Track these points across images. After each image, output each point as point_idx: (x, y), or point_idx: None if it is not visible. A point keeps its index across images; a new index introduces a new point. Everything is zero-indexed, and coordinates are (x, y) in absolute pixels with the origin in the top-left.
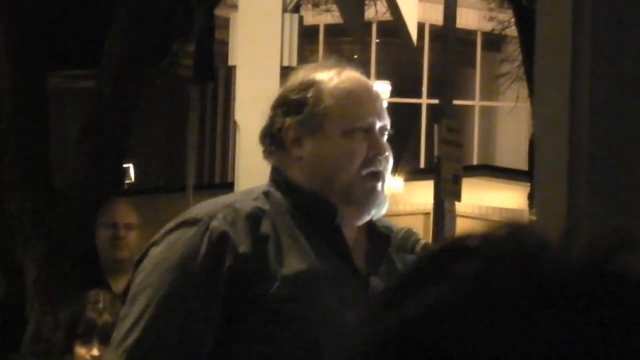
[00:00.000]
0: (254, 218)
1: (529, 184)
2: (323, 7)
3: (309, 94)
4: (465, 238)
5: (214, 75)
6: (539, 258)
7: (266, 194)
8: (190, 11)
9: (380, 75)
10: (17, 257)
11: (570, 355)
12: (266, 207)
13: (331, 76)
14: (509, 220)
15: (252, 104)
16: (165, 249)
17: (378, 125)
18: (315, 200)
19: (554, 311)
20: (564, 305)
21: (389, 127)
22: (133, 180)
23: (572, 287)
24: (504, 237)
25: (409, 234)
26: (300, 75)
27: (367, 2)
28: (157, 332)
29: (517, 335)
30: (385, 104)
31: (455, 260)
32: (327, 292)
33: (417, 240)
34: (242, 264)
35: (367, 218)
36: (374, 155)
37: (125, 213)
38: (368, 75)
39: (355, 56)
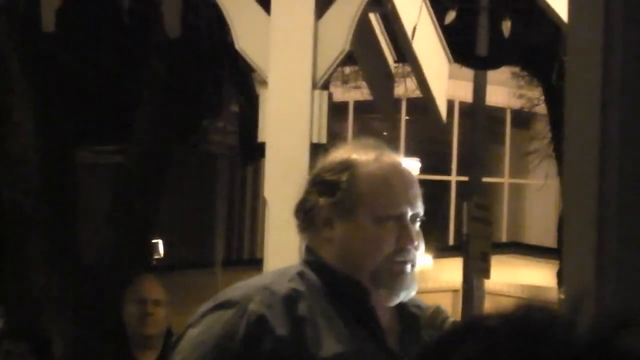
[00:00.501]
0: (291, 300)
1: (557, 262)
2: (352, 84)
3: (344, 177)
4: (482, 317)
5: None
6: (546, 335)
7: (301, 274)
8: (219, 87)
9: (409, 152)
10: (45, 333)
11: None
12: (302, 288)
13: (368, 160)
14: (526, 300)
15: (282, 180)
16: (203, 331)
17: (410, 213)
18: (348, 281)
19: None
20: None
21: (422, 214)
22: (162, 255)
23: None
24: (516, 315)
25: (437, 312)
26: (338, 156)
27: (396, 79)
28: None
29: None
30: (419, 191)
31: (465, 339)
32: None
33: (446, 318)
34: (281, 347)
35: (396, 301)
36: (403, 245)
37: (154, 289)
38: (396, 152)
39: (385, 133)
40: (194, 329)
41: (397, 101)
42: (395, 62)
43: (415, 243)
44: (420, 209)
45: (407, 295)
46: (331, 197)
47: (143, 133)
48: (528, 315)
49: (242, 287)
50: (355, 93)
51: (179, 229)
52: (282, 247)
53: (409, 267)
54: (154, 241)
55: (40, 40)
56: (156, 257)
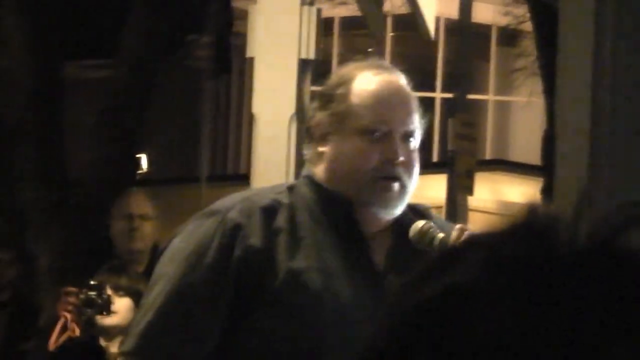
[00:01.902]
0: (270, 211)
1: (542, 179)
2: (338, 0)
3: (339, 90)
4: (482, 233)
5: (230, 68)
6: (547, 236)
7: (291, 188)
8: (204, 3)
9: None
10: (30, 246)
11: (574, 330)
12: (286, 200)
13: (365, 76)
14: (529, 204)
15: (270, 95)
16: (183, 239)
17: (400, 131)
18: (334, 196)
19: (558, 288)
20: (569, 282)
21: (416, 136)
22: (145, 170)
23: (579, 263)
24: (517, 222)
25: (425, 229)
26: (341, 72)
27: None
28: (165, 319)
29: (522, 311)
30: (415, 111)
31: (469, 249)
32: (337, 287)
33: (435, 235)
34: (251, 255)
35: (383, 218)
36: (388, 160)
37: (141, 204)
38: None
39: (370, 49)
40: (177, 238)
41: (383, 17)
42: None
43: (401, 159)
44: (414, 128)
45: (392, 212)
46: (327, 110)
47: (132, 47)
48: (529, 223)
49: (228, 198)
50: (341, 9)
51: (163, 144)
52: (270, 162)
53: (395, 184)
54: (137, 156)
55: None
56: (139, 171)
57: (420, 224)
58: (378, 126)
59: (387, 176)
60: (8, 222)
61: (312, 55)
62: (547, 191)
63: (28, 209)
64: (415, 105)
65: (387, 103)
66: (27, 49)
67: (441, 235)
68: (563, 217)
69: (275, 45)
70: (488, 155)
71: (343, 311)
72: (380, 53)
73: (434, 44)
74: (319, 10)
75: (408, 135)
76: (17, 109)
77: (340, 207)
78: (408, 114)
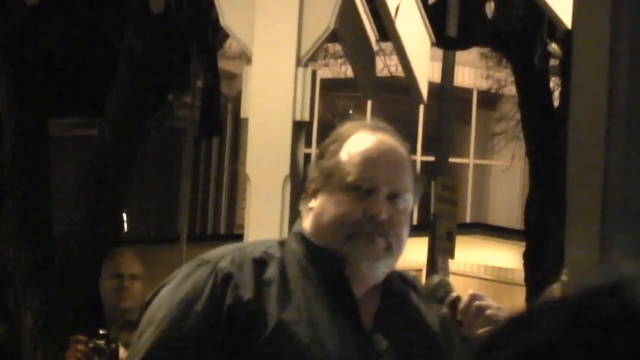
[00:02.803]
0: (261, 263)
1: (522, 243)
2: (321, 62)
3: (331, 147)
4: (546, 301)
5: (222, 130)
6: (627, 296)
7: (282, 242)
8: (187, 62)
9: None
10: (15, 306)
11: None
12: (277, 254)
13: (359, 135)
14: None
15: (264, 157)
16: (173, 287)
17: (386, 190)
18: (324, 252)
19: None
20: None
21: (407, 197)
22: (126, 230)
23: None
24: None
25: (441, 284)
26: (339, 129)
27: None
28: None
29: None
30: (405, 173)
31: (546, 311)
32: (325, 342)
33: (448, 292)
34: (242, 305)
35: (370, 275)
36: (371, 217)
37: (131, 263)
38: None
39: (351, 111)
40: (167, 287)
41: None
42: (378, 41)
43: (384, 217)
44: (402, 189)
45: (376, 268)
46: (319, 167)
47: (117, 106)
48: (607, 284)
49: (221, 248)
50: (323, 71)
51: (143, 204)
52: (263, 224)
53: (379, 240)
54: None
55: (15, 12)
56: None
57: (437, 278)
58: (363, 183)
59: (369, 232)
60: None
61: (306, 117)
62: (529, 256)
63: (11, 269)
64: (407, 166)
65: (374, 161)
66: (11, 106)
67: (455, 294)
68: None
69: (269, 107)
70: (468, 218)
71: None
72: (361, 115)
73: (414, 107)
74: (314, 72)
75: (395, 194)
76: (3, 167)
77: (330, 263)
78: (397, 174)
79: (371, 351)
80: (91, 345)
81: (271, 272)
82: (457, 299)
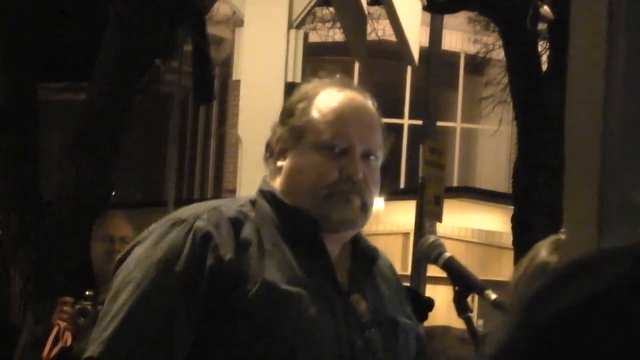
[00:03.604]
0: (238, 222)
1: (509, 207)
2: (309, 26)
3: (300, 105)
4: (607, 251)
5: (214, 95)
6: None
7: (252, 202)
8: (174, 26)
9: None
10: (4, 269)
11: None
12: (251, 214)
13: (328, 93)
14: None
15: (256, 118)
16: (149, 247)
17: (361, 148)
18: (297, 213)
19: None
20: None
21: (378, 155)
22: (114, 194)
23: None
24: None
25: (435, 244)
26: (304, 87)
27: None
28: (135, 325)
29: None
30: (377, 131)
31: (605, 260)
32: (304, 302)
33: (441, 253)
34: (223, 265)
35: (344, 234)
36: (348, 177)
37: (121, 226)
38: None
39: (337, 75)
40: (140, 246)
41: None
42: (369, 4)
43: (360, 175)
44: (375, 147)
45: (352, 227)
46: (287, 125)
47: (104, 71)
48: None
49: (192, 207)
50: (310, 35)
51: (131, 168)
52: (255, 185)
53: (355, 199)
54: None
55: None
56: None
57: (430, 238)
58: (337, 142)
59: (346, 191)
60: None
61: (298, 78)
62: (517, 219)
63: (2, 231)
64: (378, 124)
65: (348, 120)
66: (0, 68)
67: (448, 254)
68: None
69: (261, 69)
70: (455, 182)
71: (310, 326)
72: (348, 79)
73: (401, 71)
74: (305, 34)
75: (368, 153)
76: None
77: (305, 224)
78: (370, 132)
79: (351, 311)
80: (78, 306)
81: (247, 231)
82: (451, 259)
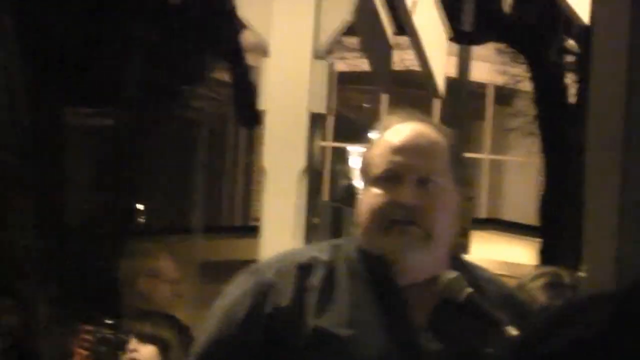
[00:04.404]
0: (306, 268)
1: (537, 239)
2: (337, 55)
3: (370, 145)
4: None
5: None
6: None
7: (337, 246)
8: (203, 54)
9: None
10: (28, 296)
11: None
12: (325, 257)
13: (393, 128)
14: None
15: (280, 149)
16: (222, 297)
17: (414, 176)
18: (362, 251)
19: None
20: None
21: (439, 181)
22: (144, 220)
23: None
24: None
25: (456, 280)
26: (379, 125)
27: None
28: None
29: None
30: (440, 159)
31: (592, 305)
32: (366, 344)
33: (462, 288)
34: (280, 314)
35: (413, 267)
36: (400, 204)
37: (169, 266)
38: (376, 124)
39: (365, 105)
40: (220, 297)
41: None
42: (395, 34)
43: (413, 202)
44: (432, 174)
45: (414, 259)
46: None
47: (131, 97)
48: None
49: (274, 256)
50: (339, 64)
51: (158, 194)
52: (279, 215)
53: (414, 229)
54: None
55: (33, 1)
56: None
57: (451, 274)
58: (388, 172)
59: (400, 220)
60: (7, 269)
61: (323, 109)
62: (545, 252)
63: (26, 257)
64: (438, 150)
65: (401, 149)
66: (27, 95)
67: (470, 289)
68: None
69: (286, 99)
70: (483, 214)
71: None
72: (375, 109)
73: (430, 102)
74: (331, 65)
75: (425, 180)
76: (19, 157)
77: (369, 262)
78: (424, 159)
79: (420, 351)
80: (98, 335)
81: (315, 277)
82: (473, 294)
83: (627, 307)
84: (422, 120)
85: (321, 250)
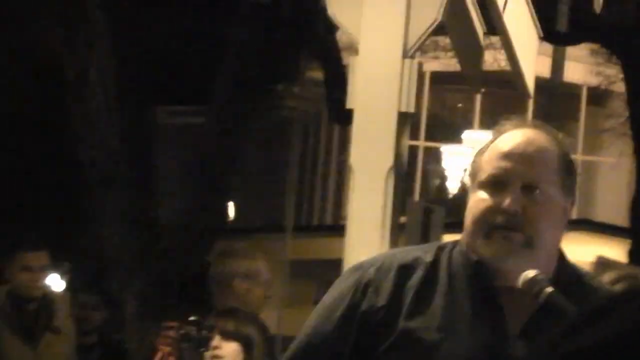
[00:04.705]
0: (407, 268)
1: (628, 240)
2: (431, 54)
3: (483, 149)
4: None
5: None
6: None
7: (442, 247)
8: (297, 52)
9: (483, 126)
10: (118, 292)
11: None
12: (428, 259)
13: (507, 133)
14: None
15: (368, 148)
16: (328, 292)
17: (519, 182)
18: (464, 255)
19: None
20: None
21: (545, 189)
22: (232, 218)
23: None
24: None
25: (536, 279)
26: (494, 131)
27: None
28: (298, 357)
29: None
30: (549, 167)
31: (623, 302)
32: (454, 348)
33: (543, 288)
34: (374, 313)
35: (511, 273)
36: (503, 210)
37: (263, 267)
38: (470, 125)
39: (459, 105)
40: (327, 293)
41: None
42: (485, 34)
43: (516, 208)
44: (539, 181)
45: (512, 265)
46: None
47: (224, 95)
48: None
49: (381, 254)
50: (432, 63)
51: (250, 193)
52: (366, 214)
53: (515, 235)
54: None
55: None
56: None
57: (531, 273)
58: (494, 178)
59: (503, 226)
60: (96, 266)
61: (411, 108)
62: (634, 254)
63: (115, 254)
64: (547, 158)
65: (509, 155)
66: (118, 93)
67: (550, 289)
68: None
69: (375, 98)
70: (575, 214)
71: None
72: (469, 109)
73: (524, 102)
74: (419, 64)
75: (531, 186)
76: (110, 152)
77: (473, 265)
78: (531, 166)
79: (509, 358)
80: (181, 331)
81: (416, 278)
82: (554, 293)
83: None
84: (536, 127)
85: (426, 251)
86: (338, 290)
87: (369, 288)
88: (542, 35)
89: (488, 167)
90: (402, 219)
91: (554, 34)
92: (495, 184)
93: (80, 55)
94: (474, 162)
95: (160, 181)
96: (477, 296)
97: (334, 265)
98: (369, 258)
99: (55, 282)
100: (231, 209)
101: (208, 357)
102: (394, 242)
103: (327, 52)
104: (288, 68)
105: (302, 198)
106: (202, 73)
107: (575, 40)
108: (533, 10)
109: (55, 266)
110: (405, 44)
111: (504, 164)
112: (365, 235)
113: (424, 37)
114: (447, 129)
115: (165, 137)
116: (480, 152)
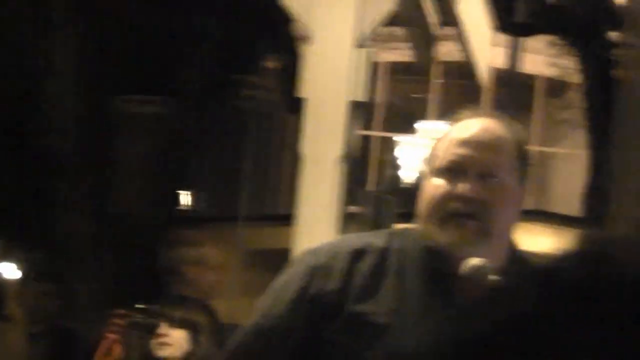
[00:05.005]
0: (358, 253)
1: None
2: (389, 45)
3: (440, 137)
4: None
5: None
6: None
7: (395, 234)
8: (254, 43)
9: (440, 116)
10: (70, 280)
11: None
12: (380, 244)
13: (463, 122)
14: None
15: (320, 136)
16: (280, 275)
17: (474, 170)
18: (416, 241)
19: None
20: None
21: (501, 176)
22: (189, 207)
23: None
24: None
25: (480, 266)
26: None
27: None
28: (246, 346)
29: None
30: (504, 155)
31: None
32: (402, 334)
33: (486, 275)
34: (324, 296)
35: (461, 257)
36: (458, 197)
37: (215, 255)
38: (424, 115)
39: (415, 95)
40: (278, 277)
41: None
42: (440, 25)
43: (472, 195)
44: (494, 168)
45: (468, 253)
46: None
47: (193, 87)
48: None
49: (333, 240)
50: (388, 54)
51: (205, 182)
52: (316, 202)
53: (471, 224)
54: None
55: None
56: (181, 208)
57: (475, 260)
58: (450, 164)
59: (458, 213)
60: (48, 254)
61: (363, 97)
62: None
63: (68, 242)
64: (503, 146)
65: (464, 142)
66: (78, 77)
67: (494, 277)
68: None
69: (326, 87)
70: (529, 205)
71: (405, 355)
72: (425, 99)
73: (480, 93)
74: (370, 53)
75: (487, 174)
76: (67, 142)
77: (427, 251)
78: (487, 153)
79: (459, 344)
80: (129, 319)
81: (366, 263)
82: (496, 282)
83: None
84: (493, 116)
85: (378, 237)
86: (289, 274)
87: (319, 273)
88: (497, 26)
89: (444, 154)
90: (354, 209)
91: (512, 25)
92: (451, 170)
93: (45, 41)
94: (431, 150)
95: (116, 170)
96: (429, 282)
97: (284, 254)
98: (322, 244)
99: (8, 271)
100: (186, 198)
101: (155, 344)
102: (343, 232)
103: (282, 41)
104: (246, 58)
105: (256, 188)
106: (163, 62)
107: (531, 32)
108: (488, 2)
109: (8, 254)
110: (357, 34)
111: (461, 151)
112: (314, 224)
113: (375, 27)
114: (404, 119)
115: (124, 126)
116: (438, 140)
